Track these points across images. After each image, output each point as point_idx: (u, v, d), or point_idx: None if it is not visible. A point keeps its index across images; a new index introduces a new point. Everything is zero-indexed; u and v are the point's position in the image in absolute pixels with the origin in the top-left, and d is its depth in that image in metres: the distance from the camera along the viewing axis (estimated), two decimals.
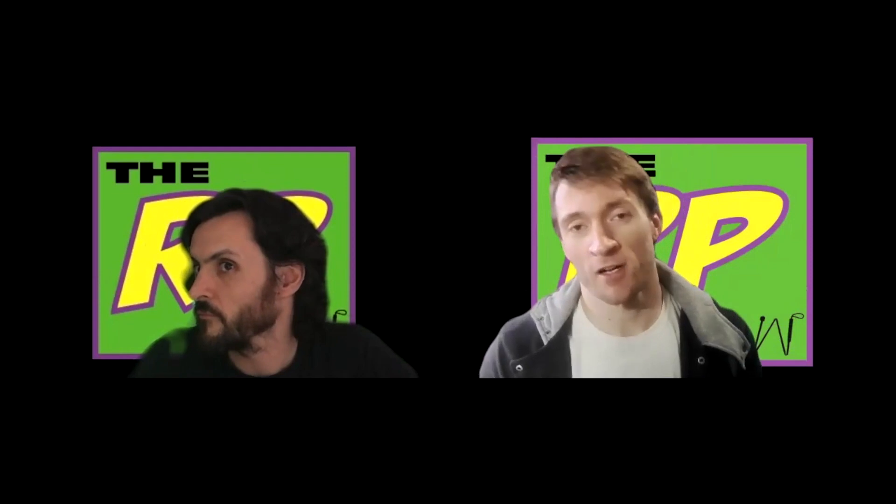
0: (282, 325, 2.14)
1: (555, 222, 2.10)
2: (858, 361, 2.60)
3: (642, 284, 2.05)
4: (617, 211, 2.01)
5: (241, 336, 2.09)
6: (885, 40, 2.61)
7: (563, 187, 2.04)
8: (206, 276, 2.08)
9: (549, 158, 2.66)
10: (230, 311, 2.08)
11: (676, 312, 2.10)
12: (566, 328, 2.11)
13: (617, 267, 2.02)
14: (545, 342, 2.11)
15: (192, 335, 2.17)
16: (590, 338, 2.10)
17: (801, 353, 2.64)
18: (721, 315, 2.12)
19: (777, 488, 2.33)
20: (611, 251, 2.00)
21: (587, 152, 2.05)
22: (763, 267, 2.65)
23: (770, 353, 2.61)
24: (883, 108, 2.62)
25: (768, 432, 2.37)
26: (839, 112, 2.63)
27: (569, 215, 2.03)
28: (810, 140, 2.65)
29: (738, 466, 2.34)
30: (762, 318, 2.63)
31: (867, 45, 2.61)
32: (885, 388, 2.53)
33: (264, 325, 2.11)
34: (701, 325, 2.09)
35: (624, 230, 2.02)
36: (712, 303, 2.13)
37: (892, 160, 2.62)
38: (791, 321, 2.64)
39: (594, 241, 2.01)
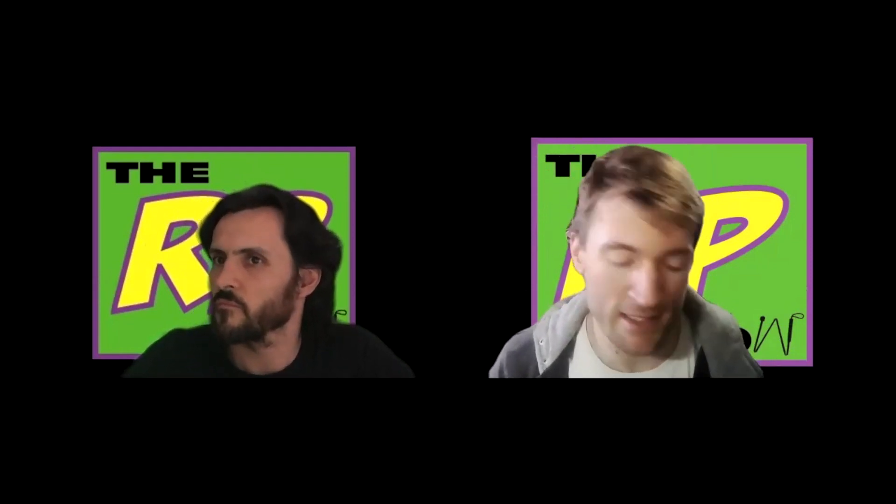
0: (293, 324, 2.18)
1: (579, 227, 1.82)
2: (858, 361, 2.60)
3: (666, 333, 1.81)
4: (674, 261, 1.74)
5: (260, 329, 2.11)
6: (885, 40, 2.61)
7: (624, 209, 1.72)
8: (234, 266, 2.10)
9: (549, 158, 2.66)
10: (254, 303, 2.10)
11: (695, 350, 1.87)
12: (565, 355, 1.89)
13: (651, 320, 1.76)
14: (541, 371, 1.92)
15: (196, 334, 2.19)
16: (591, 370, 1.89)
17: (801, 353, 2.64)
18: (748, 357, 1.90)
19: (777, 488, 2.33)
20: (656, 307, 1.73)
21: (654, 172, 1.71)
22: (763, 267, 2.65)
23: (770, 353, 2.61)
24: (883, 108, 2.61)
25: (768, 432, 2.37)
26: (839, 112, 2.63)
27: (619, 244, 1.72)
28: (810, 140, 2.65)
29: (738, 466, 2.34)
30: (762, 318, 2.63)
31: (867, 44, 2.61)
32: (885, 388, 2.53)
33: (279, 322, 2.14)
34: (722, 370, 1.84)
35: (673, 280, 1.75)
36: (741, 338, 1.90)
37: (892, 160, 2.62)
38: (791, 321, 2.64)
39: (643, 291, 1.71)
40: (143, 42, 2.66)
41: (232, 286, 2.09)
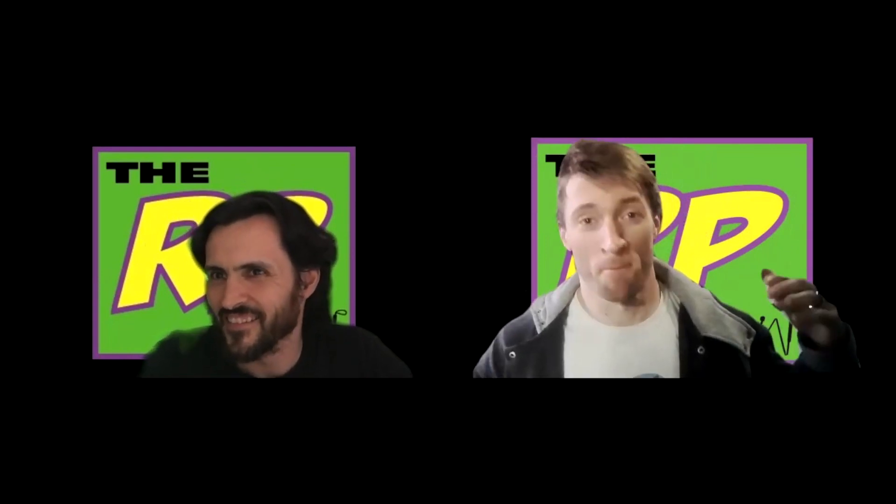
0: (298, 327, 2.15)
1: (560, 214, 2.11)
2: (858, 361, 2.60)
3: (641, 284, 2.08)
4: (629, 209, 2.04)
5: (273, 339, 2.08)
6: (885, 40, 2.61)
7: (579, 181, 2.05)
8: (237, 282, 2.05)
9: (549, 158, 2.66)
10: (268, 311, 2.07)
11: (675, 306, 2.13)
12: (561, 318, 2.14)
13: (623, 266, 2.04)
14: (539, 332, 2.14)
15: (203, 338, 2.18)
16: (586, 327, 2.12)
17: None
18: (721, 307, 2.14)
19: (777, 489, 2.33)
20: (621, 250, 2.02)
21: (603, 150, 2.06)
22: (763, 267, 2.65)
23: None
24: (883, 108, 2.62)
25: (768, 432, 2.37)
26: (839, 112, 2.63)
27: (581, 206, 2.04)
28: (810, 140, 2.65)
29: (737, 466, 2.35)
30: (762, 318, 2.63)
31: (867, 44, 2.61)
32: (885, 388, 2.54)
33: (288, 329, 2.12)
34: (700, 316, 2.11)
35: (633, 230, 2.04)
36: (711, 296, 2.15)
37: (892, 160, 2.62)
38: None
39: (606, 239, 2.02)
40: (143, 42, 2.67)
41: (241, 302, 2.05)
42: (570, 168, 2.07)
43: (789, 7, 2.62)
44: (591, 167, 2.04)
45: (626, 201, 2.03)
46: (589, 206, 2.04)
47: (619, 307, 2.09)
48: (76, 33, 2.66)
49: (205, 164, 2.70)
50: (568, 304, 2.15)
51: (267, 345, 2.09)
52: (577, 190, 2.05)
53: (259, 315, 2.06)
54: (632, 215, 2.04)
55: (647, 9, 2.64)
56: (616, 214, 2.03)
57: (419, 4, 2.66)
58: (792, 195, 2.66)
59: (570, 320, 2.14)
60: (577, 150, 2.07)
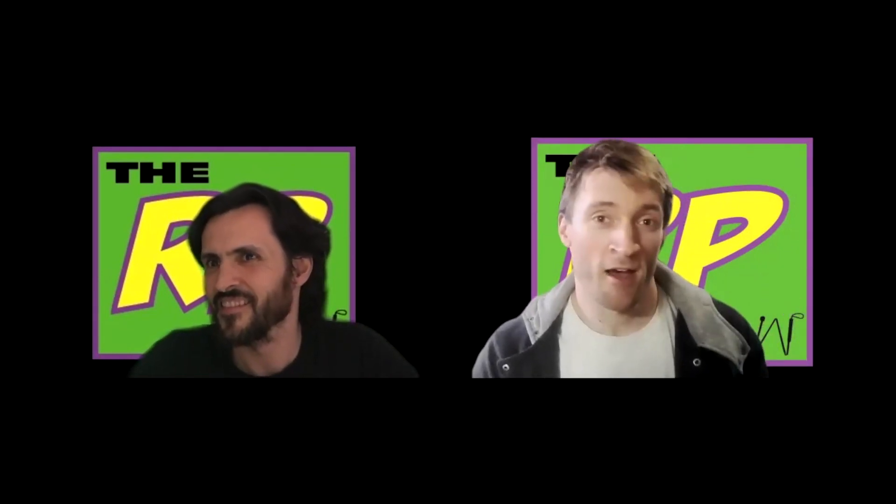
0: (292, 316, 2.19)
1: (566, 208, 2.08)
2: (858, 361, 2.60)
3: (641, 294, 2.06)
4: (646, 216, 2.01)
5: (266, 323, 2.13)
6: (885, 40, 2.61)
7: (604, 175, 2.02)
8: (230, 267, 2.12)
9: (549, 158, 2.66)
10: (259, 296, 2.12)
11: (673, 313, 2.10)
12: (555, 327, 2.11)
13: (629, 272, 2.01)
14: (532, 342, 2.11)
15: (198, 335, 2.20)
16: (579, 336, 2.09)
17: (801, 353, 2.64)
18: (720, 316, 2.11)
19: (777, 488, 2.34)
20: (633, 255, 2.00)
21: (631, 149, 2.04)
22: (763, 267, 2.65)
23: (770, 353, 2.61)
24: (883, 108, 2.62)
25: (768, 432, 2.37)
26: (839, 112, 2.63)
27: (601, 203, 2.01)
28: (810, 140, 2.65)
29: (737, 466, 2.35)
30: (762, 318, 2.63)
31: (867, 44, 2.61)
32: (885, 388, 2.54)
33: (282, 315, 2.16)
34: (697, 325, 2.08)
35: (647, 238, 2.01)
36: (711, 302, 2.13)
37: (892, 160, 2.62)
38: (791, 321, 2.64)
39: (621, 241, 1.99)
40: (143, 42, 2.67)
41: (234, 285, 2.11)
42: (595, 162, 2.03)
43: (789, 7, 2.62)
44: (621, 164, 2.01)
45: (647, 207, 2.01)
46: (609, 204, 2.00)
47: (615, 315, 2.07)
48: (76, 33, 2.66)
49: (205, 164, 2.70)
50: (562, 311, 2.12)
51: (260, 330, 2.13)
52: (600, 184, 2.02)
53: (251, 299, 2.12)
54: (647, 222, 2.01)
55: (647, 9, 2.64)
56: (635, 218, 2.00)
57: (419, 4, 2.66)
58: (792, 195, 2.66)
59: (564, 328, 2.11)
60: (604, 147, 2.04)
